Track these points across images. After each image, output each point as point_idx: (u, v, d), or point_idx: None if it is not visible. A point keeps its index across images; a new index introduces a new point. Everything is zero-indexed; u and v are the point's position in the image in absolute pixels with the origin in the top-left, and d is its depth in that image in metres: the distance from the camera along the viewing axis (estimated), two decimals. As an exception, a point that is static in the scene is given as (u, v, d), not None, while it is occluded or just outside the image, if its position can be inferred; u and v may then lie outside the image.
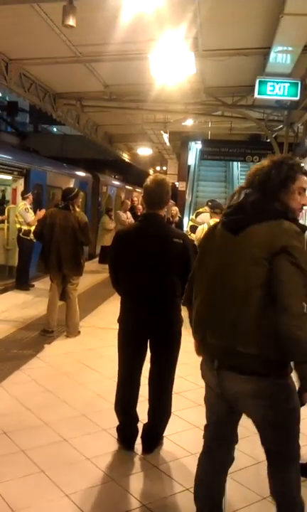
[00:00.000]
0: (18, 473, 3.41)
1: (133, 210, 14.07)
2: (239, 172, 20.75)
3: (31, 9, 6.86)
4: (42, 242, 6.90)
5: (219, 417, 2.73)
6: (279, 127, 12.74)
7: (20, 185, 11.13)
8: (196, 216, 9.79)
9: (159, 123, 14.46)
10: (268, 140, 13.17)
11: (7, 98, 27.85)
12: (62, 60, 9.11)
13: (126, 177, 26.00)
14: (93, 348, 6.38)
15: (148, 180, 3.77)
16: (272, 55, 7.76)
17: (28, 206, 9.93)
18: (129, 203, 13.99)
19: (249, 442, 4.07)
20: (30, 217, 9.78)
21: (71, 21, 6.19)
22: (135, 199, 16.09)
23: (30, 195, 10.15)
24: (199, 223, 8.65)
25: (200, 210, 10.02)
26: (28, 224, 9.79)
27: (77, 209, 6.96)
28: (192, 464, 3.68)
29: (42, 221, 7.00)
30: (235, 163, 19.67)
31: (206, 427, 2.82)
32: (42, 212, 9.93)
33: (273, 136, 12.80)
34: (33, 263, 10.53)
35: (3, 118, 21.80)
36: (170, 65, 7.78)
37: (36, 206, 10.61)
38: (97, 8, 6.64)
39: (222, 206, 8.02)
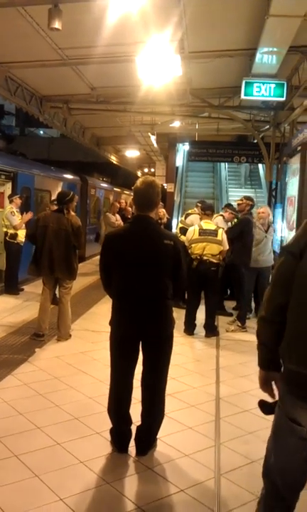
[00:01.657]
0: (11, 478, 3.39)
1: (122, 212, 14.07)
2: (226, 173, 20.84)
3: (17, 12, 6.84)
4: (34, 245, 6.89)
5: (300, 465, 2.25)
6: (266, 128, 12.81)
7: (7, 188, 11.08)
8: (185, 218, 9.82)
9: (146, 125, 14.48)
10: (256, 141, 13.23)
11: (-7, 101, 27.83)
12: (48, 63, 9.10)
13: (115, 179, 26.01)
14: (85, 351, 6.36)
15: (138, 182, 3.77)
16: (258, 56, 7.81)
17: (15, 210, 9.88)
18: (118, 205, 13.98)
19: (242, 442, 4.11)
20: (17, 220, 9.74)
21: (57, 24, 6.19)
22: (123, 201, 16.10)
23: (16, 199, 10.10)
24: (188, 225, 8.68)
25: (189, 211, 10.05)
26: (14, 227, 9.75)
27: (72, 213, 6.95)
28: (186, 465, 3.71)
29: (35, 223, 6.98)
30: (223, 163, 19.75)
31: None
32: (28, 215, 9.94)
33: (260, 136, 12.87)
34: (22, 267, 10.53)
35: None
36: (157, 67, 7.79)
37: (24, 210, 10.56)
38: (82, 11, 6.63)
39: (213, 207, 8.05)
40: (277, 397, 2.33)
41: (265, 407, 2.40)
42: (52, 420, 4.31)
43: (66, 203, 6.81)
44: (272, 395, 2.41)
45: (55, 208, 7.12)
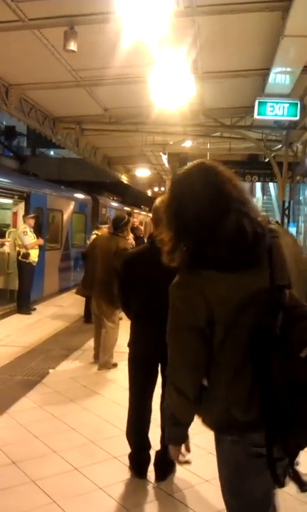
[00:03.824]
0: (29, 504, 3.31)
1: (134, 231, 14.05)
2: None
3: (32, 35, 6.91)
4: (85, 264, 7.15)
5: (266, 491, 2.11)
6: (278, 147, 12.81)
7: (20, 208, 11.12)
8: None
9: (158, 145, 14.52)
10: (268, 160, 13.23)
11: (4, 122, 28.16)
12: (62, 85, 9.17)
13: (125, 198, 26.06)
14: (99, 372, 6.29)
15: (157, 201, 3.73)
16: (271, 76, 7.82)
17: (28, 229, 9.91)
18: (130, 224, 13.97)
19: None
20: (29, 240, 9.76)
21: (72, 46, 6.24)
22: (135, 220, 16.09)
23: (29, 219, 10.14)
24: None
25: None
26: (25, 247, 9.77)
27: (129, 236, 7.01)
28: (206, 491, 3.60)
29: (91, 243, 7.37)
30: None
31: None
32: (39, 241, 10.00)
33: (273, 155, 12.87)
34: (35, 286, 10.51)
35: (1, 142, 21.92)
36: (170, 88, 7.83)
37: (37, 229, 10.60)
38: (97, 32, 6.68)
39: None
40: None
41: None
42: (68, 444, 4.23)
43: (121, 228, 6.69)
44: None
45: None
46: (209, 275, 1.91)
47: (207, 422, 2.09)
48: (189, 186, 1.98)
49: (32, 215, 10.43)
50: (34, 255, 10.00)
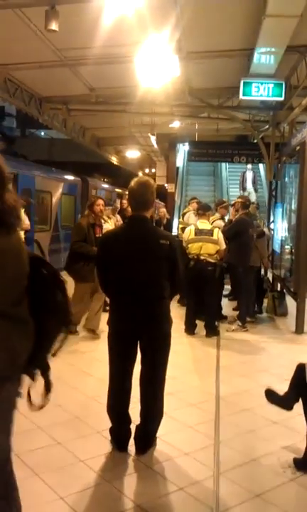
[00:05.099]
0: (12, 477, 3.41)
1: (123, 212, 14.08)
2: (227, 173, 20.82)
3: (14, 14, 6.87)
4: None
5: None
6: (265, 128, 12.80)
7: (8, 190, 11.10)
8: (183, 218, 9.88)
9: (146, 125, 14.48)
10: (255, 140, 13.23)
11: (-7, 104, 27.86)
12: (46, 64, 9.11)
13: (115, 180, 26.02)
14: (85, 351, 6.39)
15: (133, 183, 3.80)
16: (256, 56, 7.81)
17: None
18: (118, 206, 13.98)
19: (242, 440, 4.13)
20: None
21: (54, 26, 6.19)
22: (124, 201, 16.09)
23: None
24: (187, 224, 8.75)
25: (185, 210, 10.10)
26: None
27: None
28: (185, 464, 3.72)
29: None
30: (223, 164, 19.72)
31: None
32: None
33: (260, 136, 12.87)
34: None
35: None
36: (155, 68, 7.81)
37: (25, 211, 10.57)
38: (79, 12, 6.65)
39: (206, 207, 8.04)
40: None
41: (271, 395, 2.37)
42: (52, 420, 4.33)
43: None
44: None
45: None
46: None
47: None
48: None
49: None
50: None
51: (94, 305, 7.05)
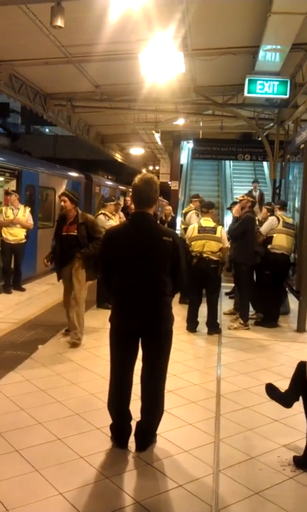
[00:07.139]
0: (12, 472, 3.43)
1: (126, 210, 14.09)
2: (231, 171, 20.78)
3: (19, 10, 6.87)
4: None
5: None
6: (270, 125, 12.79)
7: (12, 186, 11.11)
8: (185, 218, 9.81)
9: (150, 122, 14.47)
10: (260, 138, 13.21)
11: (-2, 99, 27.83)
12: (52, 61, 9.12)
13: (119, 177, 26.01)
14: (87, 347, 6.39)
15: (136, 179, 3.79)
16: (261, 53, 7.80)
17: (3, 207, 9.83)
18: (122, 203, 14.00)
19: (242, 438, 4.13)
20: (1, 217, 9.62)
21: (59, 22, 6.19)
22: (128, 199, 16.09)
23: (10, 196, 10.01)
24: (189, 224, 8.73)
25: (186, 209, 10.03)
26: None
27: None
28: (185, 461, 3.73)
29: None
30: (227, 161, 19.69)
31: None
32: (8, 221, 9.77)
33: (264, 134, 12.85)
34: (28, 264, 10.57)
35: (-6, 119, 21.74)
36: (160, 65, 7.81)
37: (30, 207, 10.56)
38: (85, 8, 6.65)
39: (209, 205, 8.01)
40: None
41: (272, 391, 2.38)
42: (53, 416, 4.34)
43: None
44: None
45: None
46: None
47: None
48: None
49: (9, 192, 10.27)
50: (7, 234, 9.76)
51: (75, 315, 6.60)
